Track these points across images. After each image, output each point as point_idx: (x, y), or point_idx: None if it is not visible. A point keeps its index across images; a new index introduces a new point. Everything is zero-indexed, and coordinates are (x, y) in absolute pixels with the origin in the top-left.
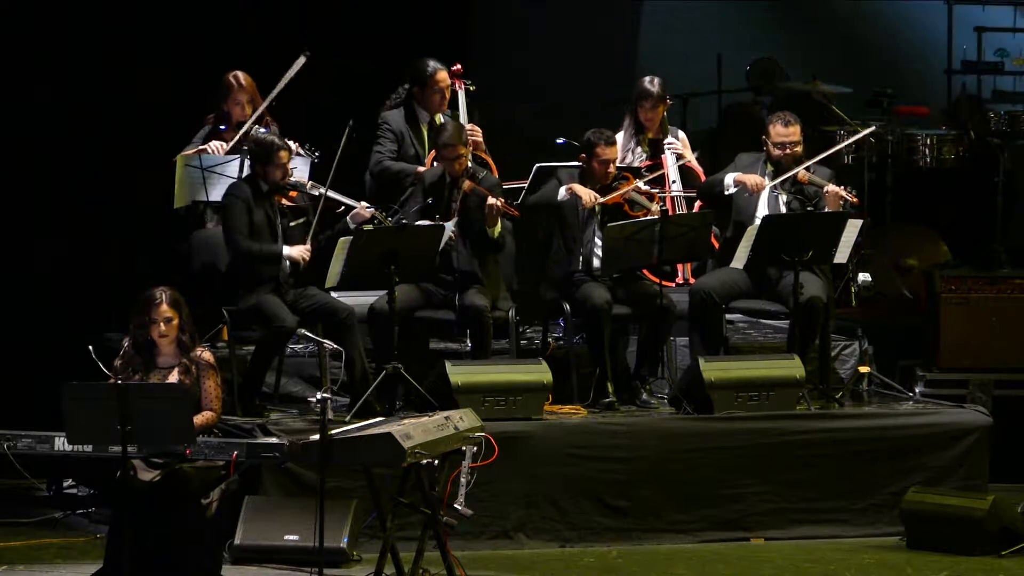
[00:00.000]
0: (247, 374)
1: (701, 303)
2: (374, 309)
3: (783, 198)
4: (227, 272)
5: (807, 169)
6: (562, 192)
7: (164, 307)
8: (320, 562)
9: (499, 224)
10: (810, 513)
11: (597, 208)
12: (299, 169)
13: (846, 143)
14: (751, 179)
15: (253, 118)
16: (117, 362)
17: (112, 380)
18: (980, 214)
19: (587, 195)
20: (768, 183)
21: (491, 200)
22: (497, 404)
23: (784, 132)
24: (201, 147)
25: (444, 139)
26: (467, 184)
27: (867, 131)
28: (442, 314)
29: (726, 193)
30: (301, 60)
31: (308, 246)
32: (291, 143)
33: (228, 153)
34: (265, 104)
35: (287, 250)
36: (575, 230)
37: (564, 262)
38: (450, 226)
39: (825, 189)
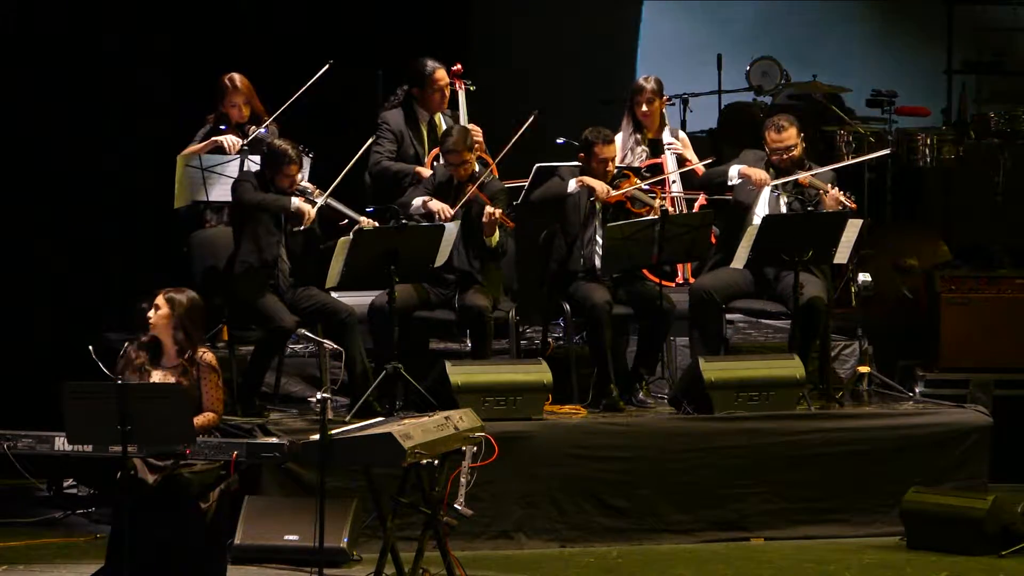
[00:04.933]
0: (247, 374)
1: (701, 303)
2: (374, 308)
3: (784, 199)
4: (227, 271)
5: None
6: (572, 184)
7: (159, 299)
8: (320, 562)
9: (496, 234)
10: (810, 513)
11: (599, 206)
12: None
13: (855, 160)
14: (757, 174)
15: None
16: (121, 360)
17: (115, 380)
18: (980, 214)
19: (601, 187)
20: (771, 195)
21: (488, 209)
22: (497, 404)
23: (778, 138)
24: (215, 139)
25: (448, 145)
26: (472, 190)
27: (880, 152)
28: (442, 314)
29: (729, 184)
30: (325, 67)
31: (314, 210)
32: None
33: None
34: (281, 109)
35: (295, 200)
36: (576, 227)
37: (565, 260)
38: (451, 227)
39: (825, 192)
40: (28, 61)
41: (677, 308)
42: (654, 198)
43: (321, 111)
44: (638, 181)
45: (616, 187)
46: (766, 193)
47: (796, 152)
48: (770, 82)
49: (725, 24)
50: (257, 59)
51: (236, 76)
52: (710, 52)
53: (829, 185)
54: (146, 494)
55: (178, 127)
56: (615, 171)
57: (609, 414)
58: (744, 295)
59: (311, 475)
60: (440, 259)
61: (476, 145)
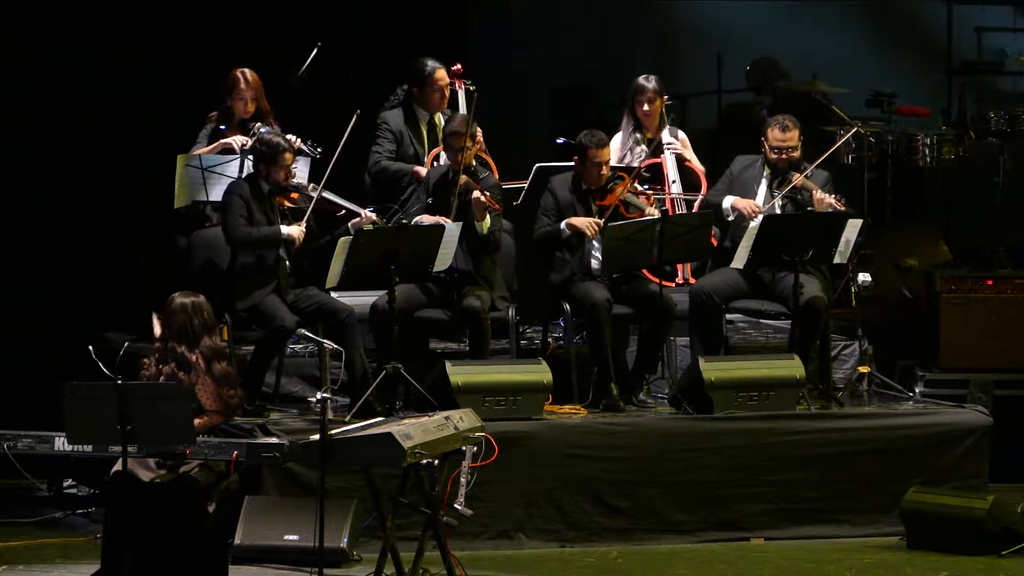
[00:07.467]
0: (247, 374)
1: (701, 303)
2: (375, 309)
3: (778, 204)
4: (227, 272)
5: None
6: (564, 229)
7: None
8: (320, 562)
9: (487, 219)
10: (810, 513)
11: (595, 210)
12: (299, 170)
13: (830, 151)
14: (747, 206)
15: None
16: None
17: (115, 380)
18: (980, 214)
19: (589, 228)
20: (763, 206)
21: (475, 194)
22: (497, 404)
23: (782, 137)
24: (223, 141)
25: (452, 127)
26: (463, 179)
27: (850, 133)
28: (442, 314)
29: (726, 219)
30: (315, 50)
31: (302, 226)
32: (294, 139)
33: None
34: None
35: (285, 229)
36: (578, 243)
37: (565, 269)
38: (453, 227)
39: (815, 196)
40: (28, 60)
41: (677, 308)
42: (646, 201)
43: (321, 113)
44: (635, 184)
45: (611, 190)
46: (761, 196)
47: (796, 154)
48: (770, 82)
49: (725, 24)
50: (257, 59)
51: (247, 71)
52: (710, 52)
53: (816, 189)
54: (145, 491)
55: (178, 127)
56: (609, 174)
57: (609, 414)
58: (744, 295)
59: (311, 475)
60: (442, 264)
61: (476, 145)
